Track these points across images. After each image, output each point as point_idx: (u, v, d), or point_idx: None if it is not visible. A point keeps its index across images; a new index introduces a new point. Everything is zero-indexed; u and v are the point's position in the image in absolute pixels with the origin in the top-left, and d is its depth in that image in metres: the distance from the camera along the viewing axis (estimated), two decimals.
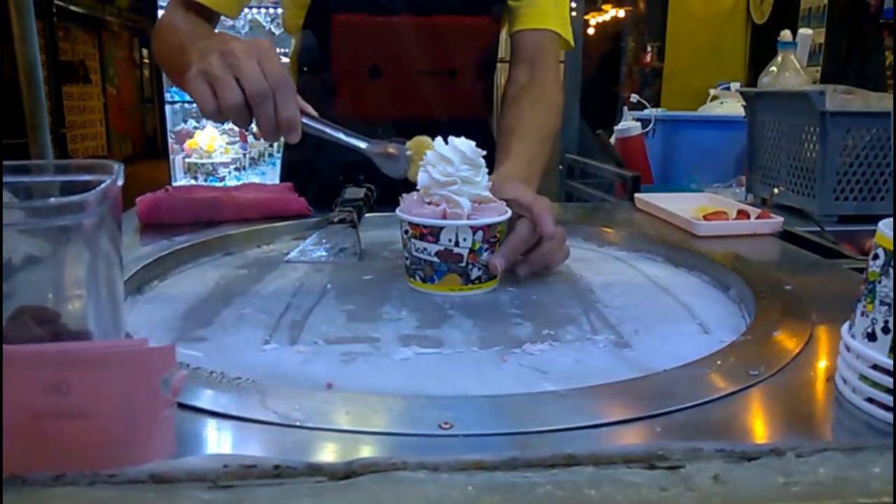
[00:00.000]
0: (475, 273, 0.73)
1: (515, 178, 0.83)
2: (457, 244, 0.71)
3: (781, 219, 1.00)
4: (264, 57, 0.70)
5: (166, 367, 0.37)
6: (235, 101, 0.69)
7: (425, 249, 0.72)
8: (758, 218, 1.00)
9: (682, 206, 1.05)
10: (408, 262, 0.75)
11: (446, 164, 0.72)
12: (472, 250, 0.72)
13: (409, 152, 0.79)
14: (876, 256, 0.45)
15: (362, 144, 0.80)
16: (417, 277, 0.74)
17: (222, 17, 1.03)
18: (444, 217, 0.71)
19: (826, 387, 0.49)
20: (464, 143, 0.73)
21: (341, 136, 0.78)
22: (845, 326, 0.48)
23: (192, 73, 0.70)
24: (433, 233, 0.71)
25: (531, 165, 0.93)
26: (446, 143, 0.73)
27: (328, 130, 0.78)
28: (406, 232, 0.73)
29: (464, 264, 0.72)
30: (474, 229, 0.71)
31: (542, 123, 1.01)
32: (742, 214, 1.03)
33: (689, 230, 0.96)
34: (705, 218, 0.99)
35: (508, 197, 0.76)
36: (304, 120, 0.75)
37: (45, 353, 0.36)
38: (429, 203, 0.73)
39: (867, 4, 3.48)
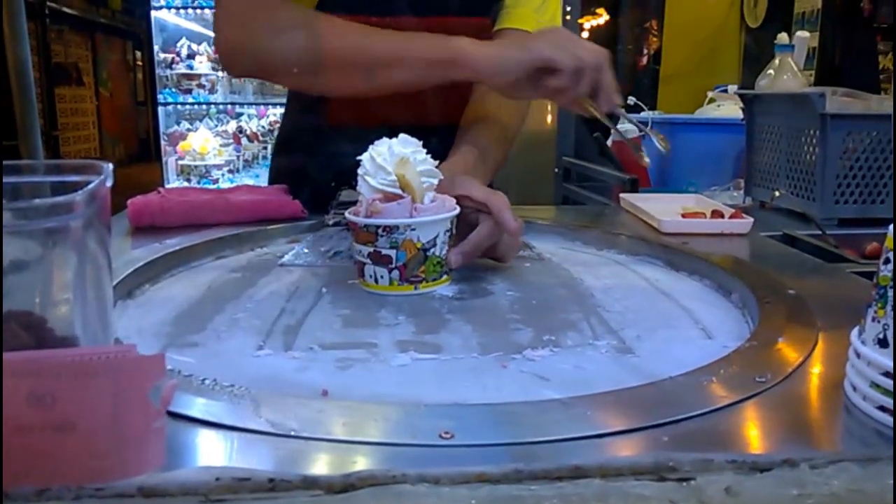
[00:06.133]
0: None
1: (461, 173, 0.81)
2: None
3: (752, 219, 0.99)
4: None
5: (156, 375, 0.35)
6: None
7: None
8: (731, 218, 1.00)
9: (665, 206, 1.05)
10: (440, 268, 0.73)
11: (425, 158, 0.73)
12: None
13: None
14: (887, 261, 0.43)
15: None
16: (444, 275, 0.74)
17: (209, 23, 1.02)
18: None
19: (834, 394, 0.48)
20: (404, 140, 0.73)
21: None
22: (855, 332, 0.46)
23: None
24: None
25: (481, 159, 0.91)
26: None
27: None
28: (447, 231, 0.72)
29: None
30: None
31: (505, 119, 0.99)
32: (716, 214, 1.03)
33: (658, 228, 0.97)
34: (682, 217, 1.00)
35: (459, 193, 0.75)
36: None
37: (29, 362, 0.34)
38: (419, 204, 0.71)
39: (861, 8, 3.49)
